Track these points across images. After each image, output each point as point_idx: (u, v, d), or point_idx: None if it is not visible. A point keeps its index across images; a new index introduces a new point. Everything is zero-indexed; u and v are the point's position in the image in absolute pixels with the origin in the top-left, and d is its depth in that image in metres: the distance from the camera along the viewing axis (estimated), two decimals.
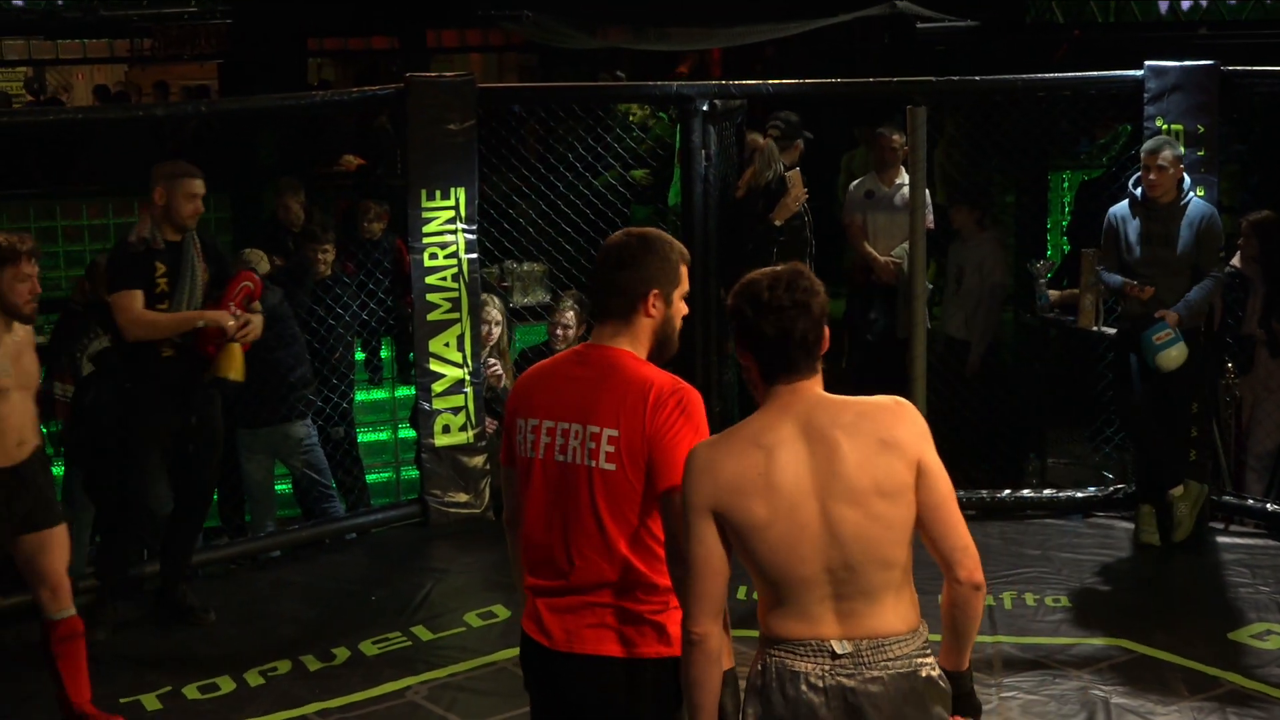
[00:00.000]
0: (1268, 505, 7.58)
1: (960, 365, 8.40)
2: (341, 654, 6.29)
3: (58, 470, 6.98)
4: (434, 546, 7.65)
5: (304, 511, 8.04)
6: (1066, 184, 10.42)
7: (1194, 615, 6.54)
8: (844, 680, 3.15)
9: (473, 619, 6.62)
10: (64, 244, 10.99)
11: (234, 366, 6.53)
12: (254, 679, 6.08)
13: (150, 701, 5.89)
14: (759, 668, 3.25)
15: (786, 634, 3.20)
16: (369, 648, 6.35)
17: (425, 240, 7.77)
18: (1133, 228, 7.14)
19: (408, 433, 8.53)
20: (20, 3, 17.17)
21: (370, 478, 8.55)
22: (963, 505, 7.86)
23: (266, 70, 13.46)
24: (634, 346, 3.51)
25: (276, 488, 8.02)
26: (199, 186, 6.42)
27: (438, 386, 7.82)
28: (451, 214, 7.80)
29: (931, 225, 8.31)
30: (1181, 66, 7.51)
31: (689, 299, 3.63)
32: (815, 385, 3.26)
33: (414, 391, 8.00)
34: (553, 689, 3.55)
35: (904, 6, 10.43)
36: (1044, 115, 8.53)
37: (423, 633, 6.51)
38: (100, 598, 6.53)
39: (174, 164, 6.54)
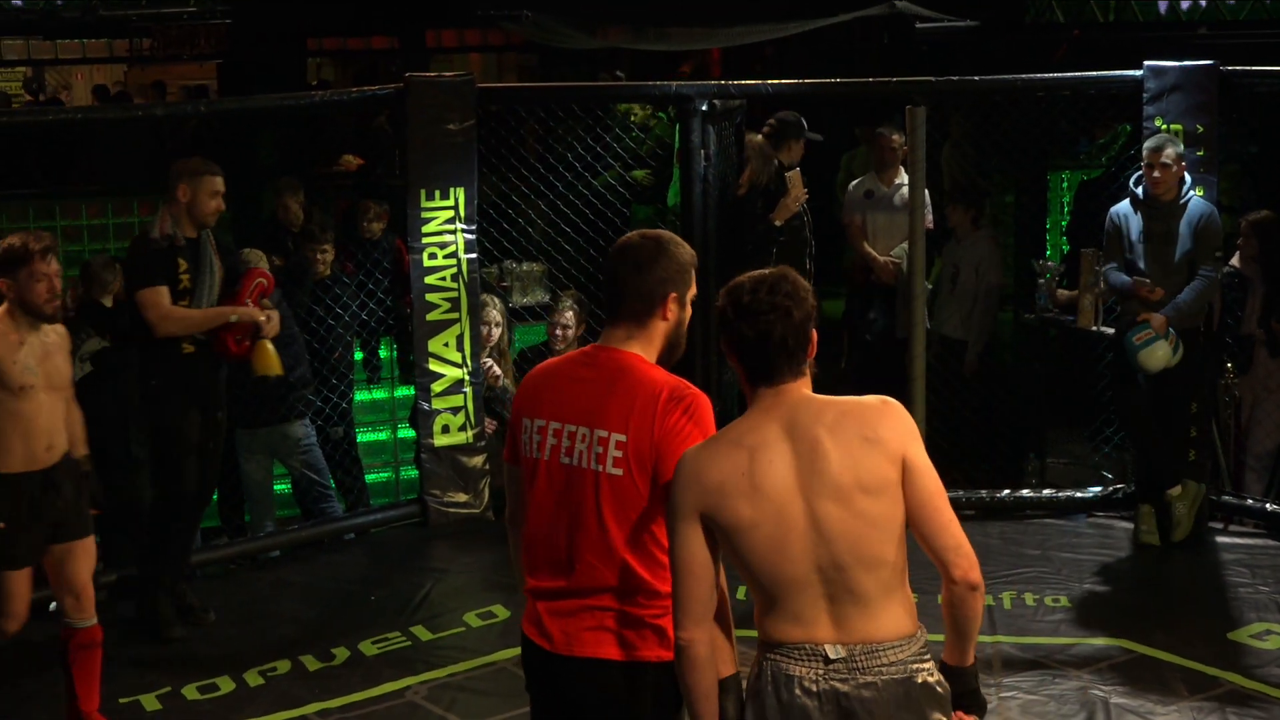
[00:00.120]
0: (1267, 505, 7.58)
1: (956, 365, 8.40)
2: (341, 654, 6.29)
3: None
4: (433, 546, 7.65)
5: (303, 511, 8.04)
6: (1066, 184, 10.42)
7: (1193, 615, 6.54)
8: (838, 685, 3.15)
9: (472, 619, 6.62)
10: (63, 244, 10.95)
11: (272, 363, 6.73)
12: (253, 679, 6.08)
13: (150, 702, 5.89)
14: (756, 671, 3.25)
15: (781, 638, 3.20)
16: (368, 648, 6.35)
17: (425, 240, 7.77)
18: (1134, 227, 7.14)
19: (407, 433, 8.53)
20: (19, 2, 17.17)
21: (369, 478, 8.55)
22: (962, 505, 7.86)
23: (266, 70, 13.46)
24: (645, 350, 3.49)
25: (275, 488, 8.02)
26: (221, 184, 6.46)
27: (437, 386, 7.82)
28: (451, 214, 7.80)
29: (931, 225, 8.31)
30: (1181, 66, 7.51)
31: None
32: (800, 388, 3.25)
33: (413, 391, 8.00)
34: (553, 692, 3.55)
35: (903, 6, 10.42)
36: (1043, 115, 8.52)
37: (422, 633, 6.51)
38: (156, 595, 6.53)
39: (196, 161, 6.53)
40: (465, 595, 6.97)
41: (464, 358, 7.84)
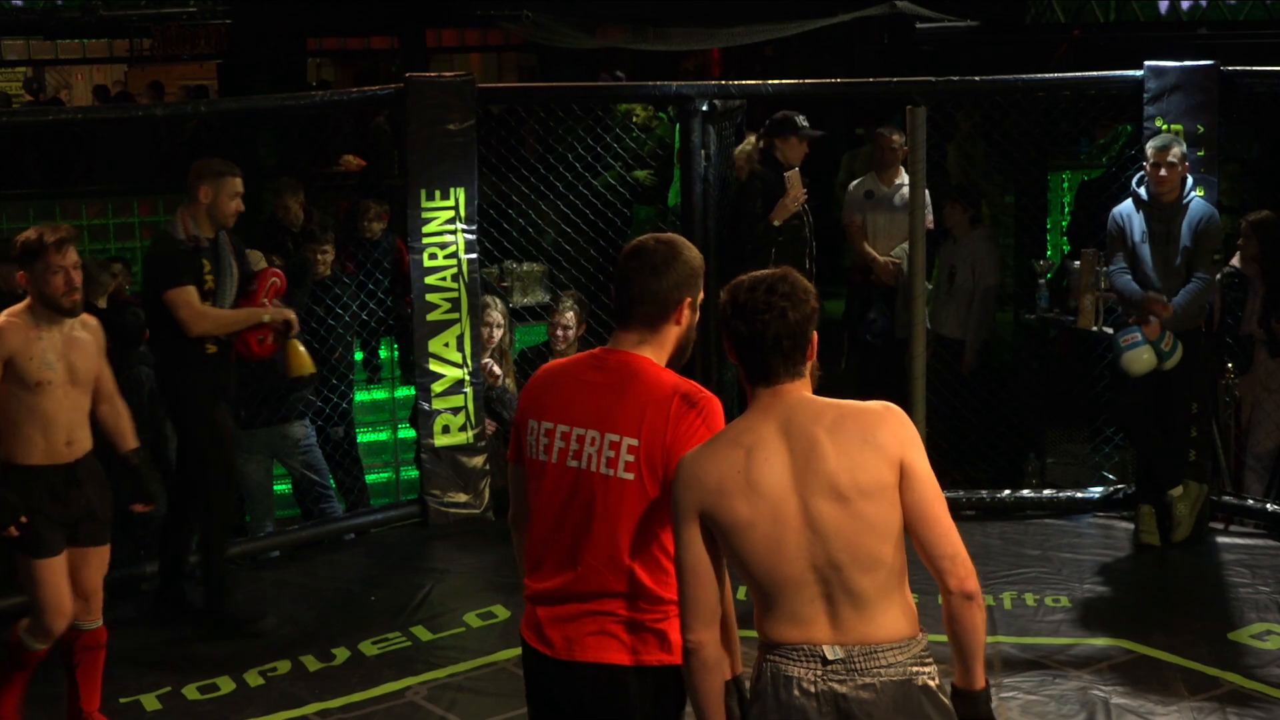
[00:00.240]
0: (1267, 505, 7.58)
1: (955, 365, 8.40)
2: (341, 654, 6.29)
3: None
4: (433, 547, 7.65)
5: (303, 512, 8.04)
6: (1066, 184, 10.42)
7: (1194, 615, 6.54)
8: (836, 686, 3.14)
9: (472, 619, 6.62)
10: None
11: (305, 362, 6.85)
12: (254, 679, 6.08)
13: (150, 702, 5.89)
14: (757, 672, 3.25)
15: (780, 638, 3.20)
16: (369, 648, 6.35)
17: (425, 240, 7.77)
18: (1137, 227, 7.13)
19: (407, 433, 8.53)
20: (20, 2, 17.18)
21: (370, 478, 8.55)
22: (962, 505, 7.86)
23: (266, 70, 13.47)
24: (657, 354, 3.48)
25: (276, 488, 8.02)
26: (241, 185, 6.48)
27: (437, 387, 7.82)
28: (451, 214, 7.80)
29: (932, 225, 8.30)
30: (1181, 67, 7.51)
31: None
32: (798, 389, 3.24)
33: (413, 391, 8.00)
34: (554, 697, 3.53)
35: (904, 6, 10.44)
36: (1044, 115, 8.53)
37: (422, 633, 6.51)
38: (216, 587, 6.57)
39: (217, 162, 6.52)
40: (465, 595, 6.97)
41: (464, 358, 7.84)
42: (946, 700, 3.22)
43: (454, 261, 7.80)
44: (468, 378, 7.84)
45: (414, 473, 8.30)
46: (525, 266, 9.30)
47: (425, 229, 7.77)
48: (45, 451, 5.27)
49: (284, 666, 6.19)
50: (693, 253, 3.51)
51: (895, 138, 8.55)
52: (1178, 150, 7.01)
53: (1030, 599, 6.69)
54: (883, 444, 3.16)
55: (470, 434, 7.88)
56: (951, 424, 8.19)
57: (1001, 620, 6.42)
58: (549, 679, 3.52)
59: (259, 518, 7.88)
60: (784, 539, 3.14)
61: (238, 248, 6.64)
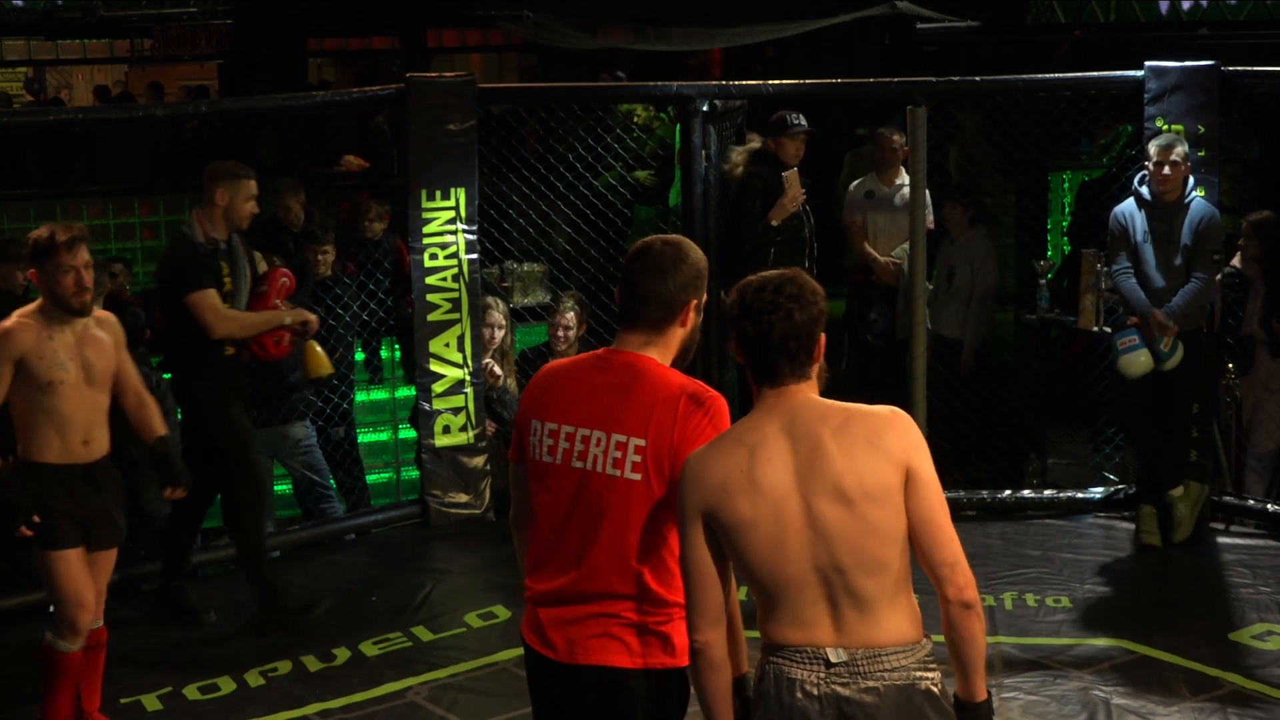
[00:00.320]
0: (1268, 506, 7.58)
1: (954, 365, 8.40)
2: (342, 654, 6.29)
3: None
4: (434, 547, 7.65)
5: (304, 512, 8.04)
6: (1067, 184, 10.42)
7: (1195, 616, 6.54)
8: (839, 689, 3.13)
9: (473, 619, 6.62)
10: None
11: (324, 363, 6.95)
12: (254, 679, 6.08)
13: (150, 702, 5.89)
14: (760, 674, 3.25)
15: (782, 640, 3.19)
16: (369, 648, 6.35)
17: (425, 240, 7.77)
18: (1139, 227, 7.13)
19: (408, 433, 8.53)
20: (20, 3, 17.18)
21: (370, 478, 8.55)
22: (963, 506, 7.86)
23: (267, 70, 13.47)
24: (662, 355, 3.47)
25: (276, 488, 8.02)
26: (256, 187, 6.52)
27: (438, 387, 7.82)
28: (452, 214, 7.80)
29: (932, 225, 8.30)
30: (1182, 67, 7.51)
31: None
32: (804, 390, 3.24)
33: (414, 392, 8.00)
34: (557, 700, 3.52)
35: (904, 7, 10.43)
36: (1044, 115, 8.52)
37: (423, 633, 6.51)
38: (268, 576, 6.63)
39: (232, 165, 6.54)
40: (466, 596, 6.97)
41: (465, 358, 7.83)
42: (949, 706, 3.21)
43: (454, 262, 7.80)
44: (468, 378, 7.84)
45: (415, 473, 8.30)
46: (526, 267, 9.30)
47: (426, 229, 7.77)
48: (61, 451, 5.25)
49: (285, 667, 6.19)
50: (698, 254, 3.51)
51: (896, 138, 8.54)
52: (1181, 150, 7.02)
53: (1031, 599, 6.68)
54: (889, 448, 3.15)
55: (471, 434, 7.88)
56: (952, 424, 8.19)
57: (1002, 621, 6.42)
58: (552, 682, 3.51)
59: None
60: (786, 539, 3.14)
61: (249, 249, 6.67)
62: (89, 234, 5.34)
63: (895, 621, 3.16)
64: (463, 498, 7.90)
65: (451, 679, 6.05)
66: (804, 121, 7.85)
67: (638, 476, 3.36)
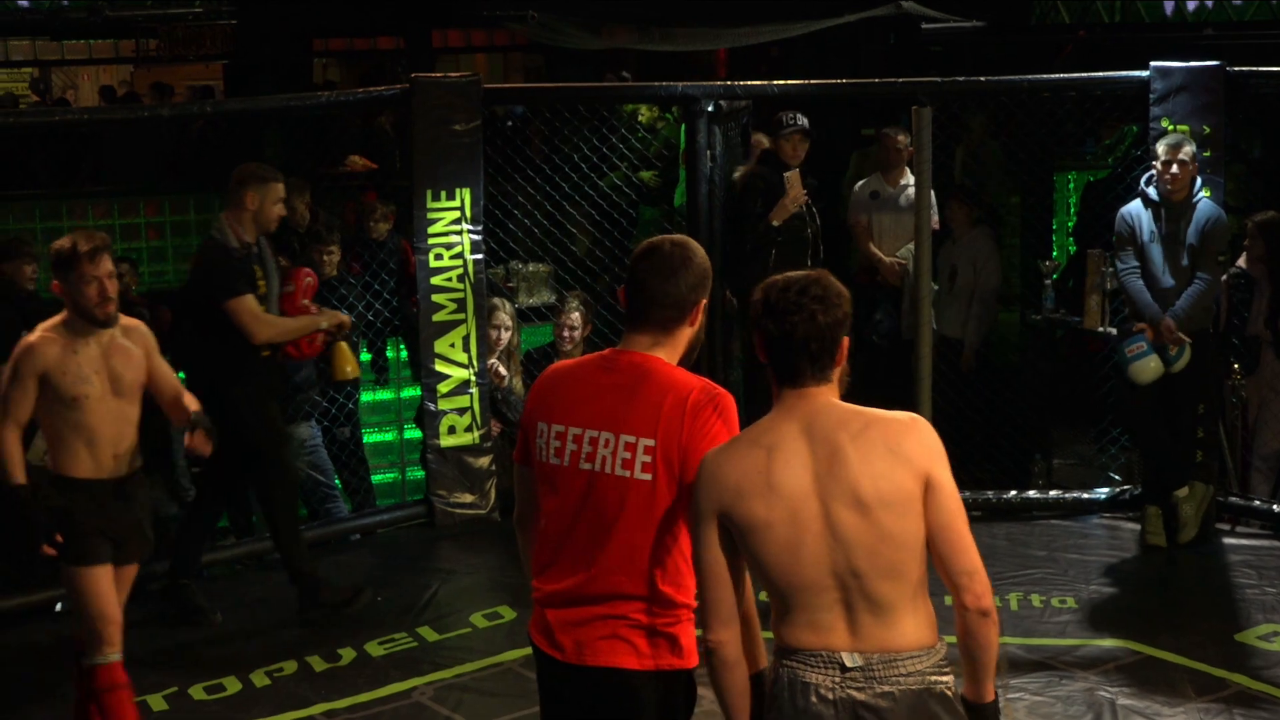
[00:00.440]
0: (1274, 506, 7.57)
1: (958, 365, 8.39)
2: (347, 655, 6.29)
3: None
4: (440, 547, 7.65)
5: (309, 512, 8.04)
6: (1072, 185, 10.41)
7: (1200, 617, 6.53)
8: (854, 693, 3.12)
9: (479, 620, 6.62)
10: None
11: (350, 365, 7.04)
12: (260, 679, 6.08)
13: (156, 702, 5.89)
14: (773, 677, 3.23)
15: (797, 644, 3.18)
16: (375, 648, 6.35)
17: (431, 241, 7.78)
18: (1146, 227, 7.13)
19: (413, 433, 8.53)
20: (26, 3, 17.19)
21: (376, 478, 8.56)
22: (969, 506, 7.83)
23: (272, 71, 13.47)
24: (669, 356, 3.47)
25: None
26: (284, 190, 6.54)
27: (443, 387, 7.83)
28: (457, 215, 7.80)
29: (937, 225, 8.29)
30: (1187, 67, 7.50)
31: None
32: (825, 393, 3.22)
33: (419, 392, 8.00)
34: (565, 701, 3.52)
35: (909, 7, 10.43)
36: (1050, 116, 8.52)
37: (429, 633, 6.51)
38: (307, 571, 6.67)
39: (261, 168, 6.55)
40: (472, 596, 6.97)
41: (470, 358, 7.84)
42: (962, 709, 3.20)
43: (460, 262, 7.81)
44: (474, 378, 7.85)
45: (420, 473, 8.30)
46: (531, 267, 9.31)
47: (431, 229, 7.77)
48: (92, 465, 5.13)
49: (290, 667, 6.19)
50: (704, 254, 3.52)
51: (900, 138, 8.54)
52: (1189, 149, 7.01)
53: (1037, 600, 6.68)
54: (909, 455, 3.14)
55: (476, 434, 7.88)
56: (957, 425, 8.19)
57: (1008, 621, 6.41)
58: (560, 683, 3.51)
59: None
60: (803, 542, 3.13)
61: (275, 250, 6.72)
62: (111, 243, 5.23)
63: (912, 626, 3.15)
64: (468, 498, 7.90)
65: (457, 679, 6.05)
66: (799, 121, 7.83)
67: (648, 477, 3.36)
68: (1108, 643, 6.23)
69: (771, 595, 3.23)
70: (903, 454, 3.14)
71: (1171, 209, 7.06)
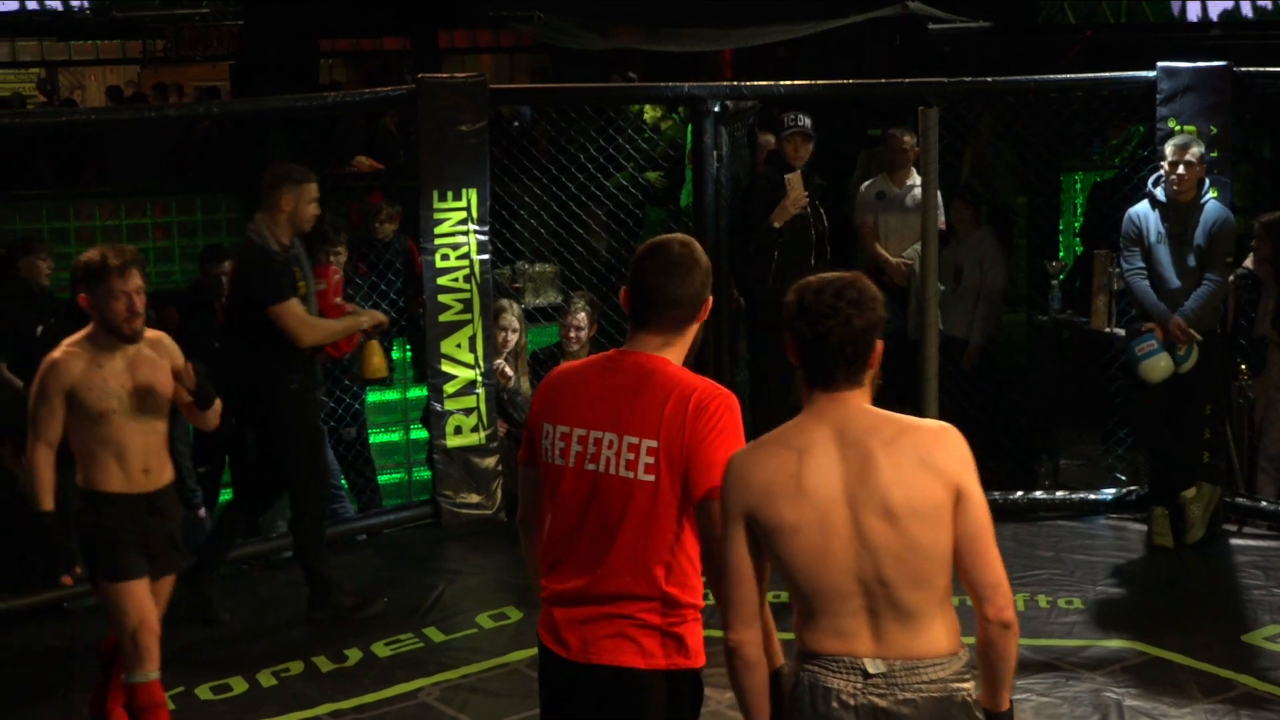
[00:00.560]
0: None
1: (963, 366, 8.38)
2: (354, 655, 6.30)
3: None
4: (446, 547, 7.66)
5: None
6: (1079, 185, 10.40)
7: (1207, 617, 6.53)
8: (876, 700, 3.11)
9: (485, 620, 6.63)
10: (76, 245, 11.00)
11: (379, 364, 7.07)
12: (266, 680, 6.09)
13: None
14: (794, 681, 3.22)
15: (820, 648, 3.16)
16: (381, 649, 6.36)
17: (437, 241, 7.78)
18: (1153, 227, 7.12)
19: (420, 433, 8.54)
20: (33, 4, 17.20)
21: (382, 478, 8.56)
22: None
23: (278, 71, 13.48)
24: (677, 355, 3.47)
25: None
26: (318, 190, 6.53)
27: (450, 387, 7.83)
28: (463, 215, 7.81)
29: (944, 226, 8.29)
30: (1194, 67, 7.50)
31: None
32: (857, 398, 3.20)
33: (426, 392, 8.00)
34: (569, 700, 3.52)
35: (916, 7, 10.42)
36: (1056, 116, 8.52)
37: (435, 634, 6.52)
38: (323, 572, 6.70)
39: (295, 168, 6.56)
40: (478, 596, 6.98)
41: (476, 359, 7.84)
42: (982, 716, 3.19)
43: (466, 262, 7.81)
44: (480, 378, 7.85)
45: (426, 473, 8.31)
46: (537, 267, 9.31)
47: (437, 230, 7.77)
48: (123, 480, 5.06)
49: (296, 667, 6.20)
50: (703, 253, 3.53)
51: (907, 139, 8.54)
52: (1196, 150, 7.01)
53: (1043, 601, 6.67)
54: (940, 466, 3.12)
55: (482, 435, 7.89)
56: (964, 425, 8.12)
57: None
58: (564, 680, 3.50)
59: (271, 518, 7.88)
60: (830, 548, 3.11)
61: (307, 249, 6.76)
62: (141, 257, 5.14)
63: (936, 633, 3.14)
64: (474, 498, 7.91)
65: (463, 680, 6.05)
66: (800, 122, 7.82)
67: (651, 478, 3.36)
68: (1114, 644, 6.23)
69: (795, 598, 3.21)
70: (934, 464, 3.12)
71: (1179, 210, 7.05)
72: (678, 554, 3.41)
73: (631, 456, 3.37)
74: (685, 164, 9.49)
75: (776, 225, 7.74)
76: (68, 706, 5.86)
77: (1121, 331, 7.65)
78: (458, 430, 7.85)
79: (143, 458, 5.08)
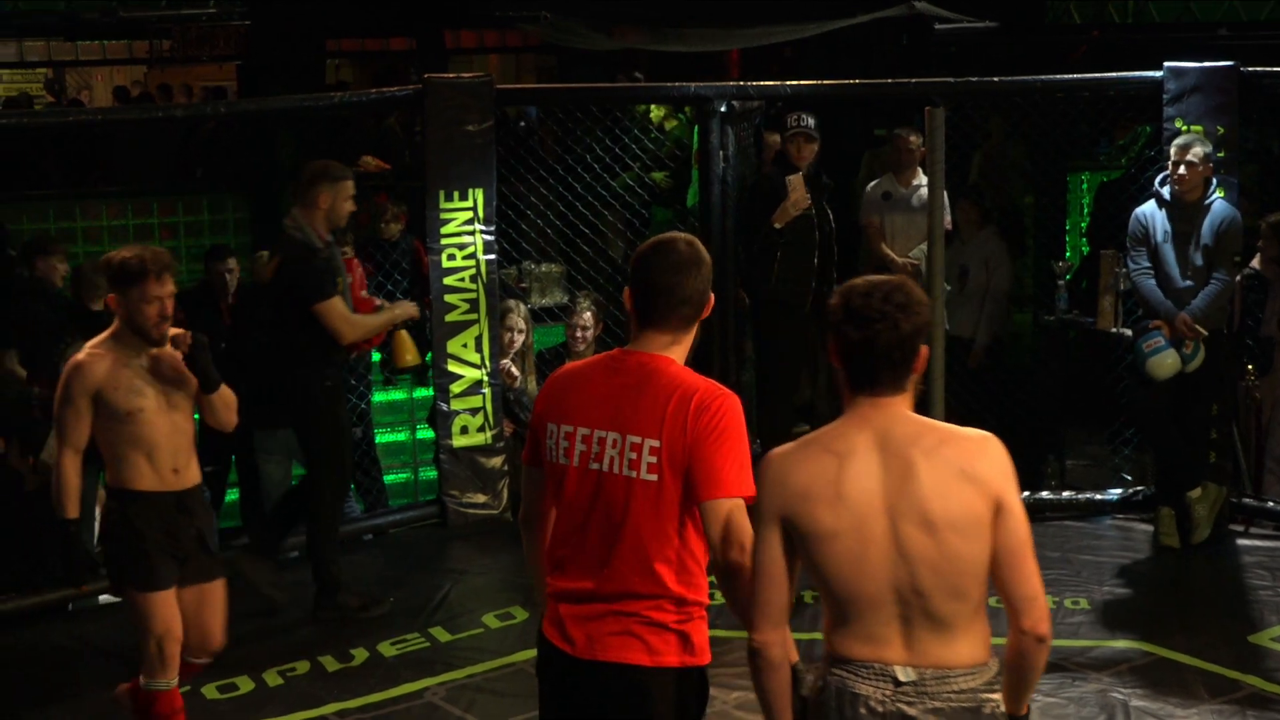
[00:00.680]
0: None
1: (969, 366, 8.38)
2: (360, 655, 6.30)
3: None
4: (452, 547, 7.66)
5: None
6: (1086, 185, 10.40)
7: (1214, 618, 6.52)
8: (905, 708, 3.09)
9: (491, 620, 6.63)
10: (83, 245, 11.02)
11: (411, 353, 7.08)
12: (272, 679, 6.09)
13: None
14: (820, 684, 3.20)
15: (850, 654, 3.14)
16: (387, 648, 6.36)
17: (443, 241, 7.79)
18: (1160, 227, 7.12)
19: (426, 433, 8.54)
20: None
21: (388, 478, 8.57)
22: None
23: (285, 71, 13.48)
24: (681, 353, 3.48)
25: None
26: (354, 186, 6.56)
27: (456, 387, 7.83)
28: (470, 215, 7.81)
29: (950, 226, 8.28)
30: (1201, 67, 7.49)
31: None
32: (900, 404, 3.18)
33: (432, 392, 8.00)
34: (573, 696, 3.52)
35: (922, 7, 10.40)
36: (1063, 116, 8.51)
37: (441, 634, 6.52)
38: (332, 571, 6.73)
39: (332, 165, 6.57)
40: (484, 596, 6.98)
41: (483, 359, 7.85)
42: None
43: (472, 262, 7.81)
44: (486, 378, 7.85)
45: (432, 473, 8.31)
46: (544, 267, 9.31)
47: (444, 230, 7.78)
48: (154, 478, 5.02)
49: (303, 667, 6.20)
50: (704, 250, 3.54)
51: (913, 139, 8.53)
52: (1199, 150, 7.00)
53: (1050, 601, 6.63)
54: (981, 478, 3.11)
55: (489, 435, 7.89)
56: (969, 425, 8.16)
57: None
58: (568, 677, 3.51)
59: None
60: (867, 556, 3.09)
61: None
62: (174, 262, 5.10)
63: (968, 643, 3.13)
64: (480, 498, 7.91)
65: (469, 679, 6.06)
66: (803, 123, 7.80)
67: (654, 477, 3.36)
68: (1121, 644, 6.22)
69: (827, 602, 3.19)
70: (975, 476, 3.10)
71: (1185, 209, 7.05)
72: (682, 553, 3.41)
73: (634, 456, 3.38)
74: (691, 164, 9.50)
75: (777, 226, 7.73)
76: (75, 707, 5.88)
77: (1128, 332, 7.64)
78: (464, 430, 7.86)
79: (172, 456, 5.05)
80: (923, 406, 3.31)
